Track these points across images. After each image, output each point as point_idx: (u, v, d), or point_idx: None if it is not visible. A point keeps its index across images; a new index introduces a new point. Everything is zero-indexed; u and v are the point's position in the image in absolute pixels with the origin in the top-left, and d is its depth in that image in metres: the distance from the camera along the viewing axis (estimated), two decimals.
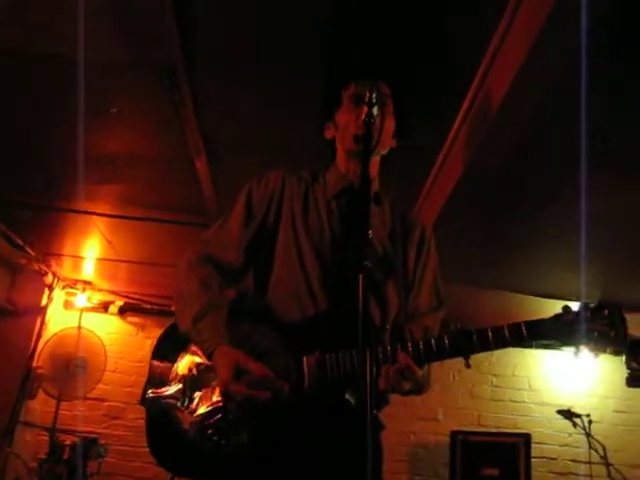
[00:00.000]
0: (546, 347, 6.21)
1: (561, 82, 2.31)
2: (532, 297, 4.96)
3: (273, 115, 3.18)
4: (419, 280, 2.02)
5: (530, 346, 6.15)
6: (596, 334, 1.65)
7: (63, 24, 2.53)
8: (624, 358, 2.46)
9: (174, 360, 1.86)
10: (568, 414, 5.32)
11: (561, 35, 2.04)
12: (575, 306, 1.72)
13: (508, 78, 2.32)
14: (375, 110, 1.72)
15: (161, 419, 1.80)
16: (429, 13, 2.39)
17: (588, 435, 5.17)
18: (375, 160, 2.02)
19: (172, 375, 1.83)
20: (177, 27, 2.52)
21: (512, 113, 2.51)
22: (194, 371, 1.81)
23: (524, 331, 1.66)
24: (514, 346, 1.69)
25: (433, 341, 1.69)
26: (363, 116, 1.72)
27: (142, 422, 1.83)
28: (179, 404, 1.78)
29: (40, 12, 2.54)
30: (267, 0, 2.42)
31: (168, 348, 1.90)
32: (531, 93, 2.36)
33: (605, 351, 6.08)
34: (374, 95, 1.72)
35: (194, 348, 1.82)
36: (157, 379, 1.85)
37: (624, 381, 4.61)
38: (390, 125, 2.01)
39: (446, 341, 1.69)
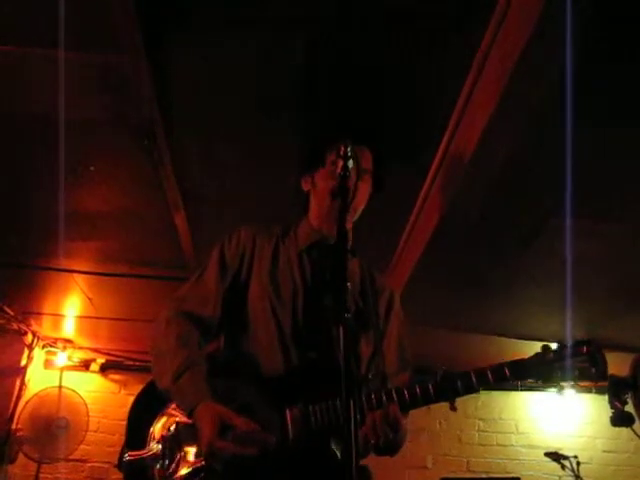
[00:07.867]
0: (531, 389, 6.21)
1: (529, 130, 2.40)
2: (515, 340, 4.97)
3: (250, 171, 3.22)
4: (387, 343, 2.03)
5: (515, 388, 6.15)
6: (577, 372, 1.68)
7: (42, 84, 2.58)
8: (607, 397, 2.45)
9: (152, 420, 1.81)
10: (556, 456, 5.29)
11: (524, 94, 2.15)
12: (554, 345, 1.75)
13: (476, 134, 2.42)
14: (350, 163, 1.74)
15: None
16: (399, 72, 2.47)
17: (577, 477, 5.14)
18: (348, 218, 2.03)
19: (151, 436, 1.78)
20: (154, 86, 2.56)
21: (484, 161, 2.58)
22: (174, 431, 1.76)
23: (507, 371, 1.69)
24: (497, 384, 1.71)
25: (417, 387, 1.71)
26: (339, 169, 1.74)
27: None
28: (159, 466, 1.72)
29: (19, 73, 2.58)
30: (244, 58, 2.47)
31: (145, 408, 1.86)
32: (500, 143, 2.44)
33: (591, 390, 6.08)
34: (349, 149, 1.75)
35: (172, 406, 1.79)
36: (135, 441, 1.79)
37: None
38: (365, 189, 2.05)
39: (430, 387, 1.71)
